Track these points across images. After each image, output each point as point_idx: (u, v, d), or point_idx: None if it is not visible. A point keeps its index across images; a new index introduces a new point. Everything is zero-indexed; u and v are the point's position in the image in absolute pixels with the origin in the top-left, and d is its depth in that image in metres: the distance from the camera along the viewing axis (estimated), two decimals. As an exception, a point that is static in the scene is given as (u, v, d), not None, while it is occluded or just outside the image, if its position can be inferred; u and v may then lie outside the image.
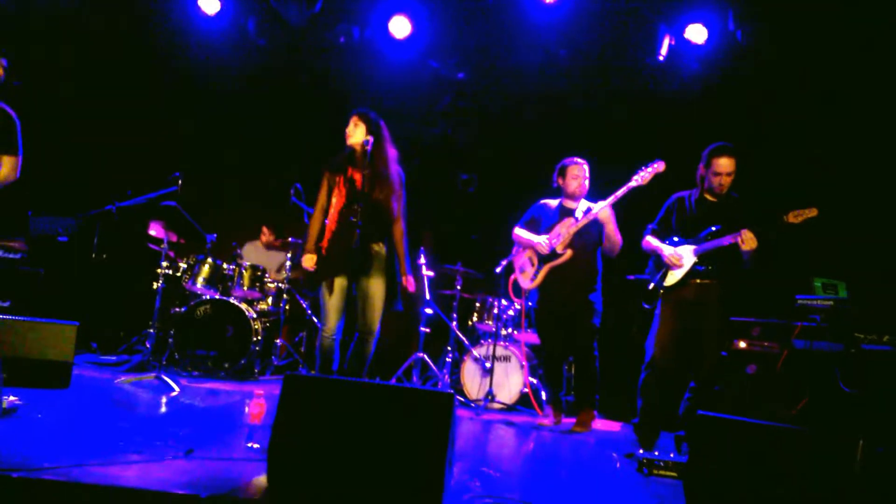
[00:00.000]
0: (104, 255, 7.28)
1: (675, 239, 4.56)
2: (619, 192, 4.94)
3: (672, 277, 4.50)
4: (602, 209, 5.00)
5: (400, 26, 7.08)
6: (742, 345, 5.11)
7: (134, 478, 2.68)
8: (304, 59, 7.62)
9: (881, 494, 3.02)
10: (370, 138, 4.46)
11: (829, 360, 4.59)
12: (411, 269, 4.78)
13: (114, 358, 6.64)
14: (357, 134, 4.53)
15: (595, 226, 5.19)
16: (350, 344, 4.56)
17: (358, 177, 4.46)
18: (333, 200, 4.54)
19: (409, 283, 4.70)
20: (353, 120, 4.59)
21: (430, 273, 6.77)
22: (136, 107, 7.69)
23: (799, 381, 4.71)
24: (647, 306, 4.64)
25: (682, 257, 4.46)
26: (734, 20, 6.39)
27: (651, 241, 4.66)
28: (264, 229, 7.60)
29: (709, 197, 4.55)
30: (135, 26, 7.42)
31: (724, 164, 4.41)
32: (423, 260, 6.66)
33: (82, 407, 4.22)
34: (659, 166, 4.88)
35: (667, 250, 4.51)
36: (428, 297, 6.70)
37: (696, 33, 6.54)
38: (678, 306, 4.48)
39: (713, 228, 4.38)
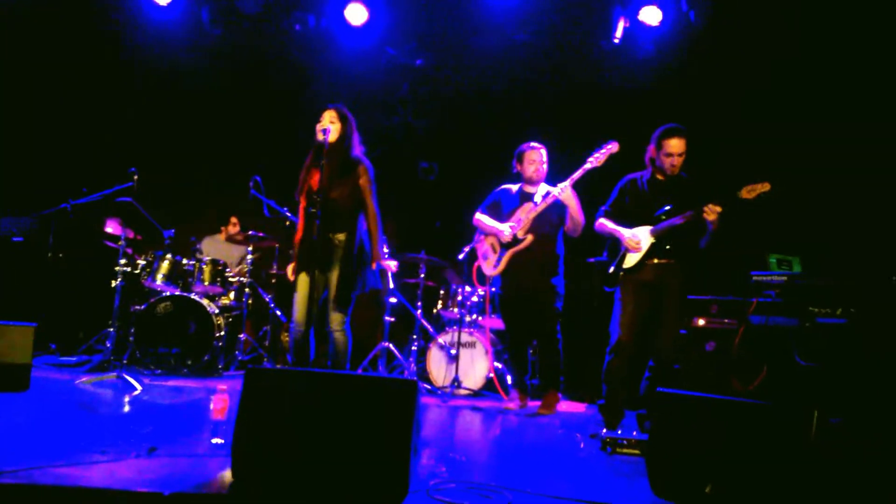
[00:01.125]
0: (60, 255, 7.16)
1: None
2: (576, 175, 4.98)
3: (631, 259, 4.55)
4: (563, 190, 5.01)
5: (356, 13, 7.04)
6: (701, 322, 5.20)
7: (97, 478, 2.65)
8: (259, 49, 7.53)
9: (836, 463, 3.11)
10: (328, 127, 4.45)
11: (785, 335, 4.69)
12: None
13: (74, 359, 6.52)
14: (333, 131, 4.51)
15: (555, 210, 5.23)
16: (324, 340, 4.57)
17: (318, 170, 4.47)
18: (302, 201, 4.64)
19: (388, 266, 4.80)
20: (329, 114, 4.58)
21: (394, 262, 6.76)
22: (88, 101, 7.55)
23: (756, 357, 4.80)
24: (608, 289, 4.69)
25: (641, 240, 4.52)
26: (687, 1, 6.45)
27: (606, 223, 4.70)
28: (233, 219, 7.53)
29: (660, 177, 4.60)
30: (85, 19, 7.27)
31: (675, 144, 4.46)
32: (386, 249, 6.65)
33: (43, 409, 4.16)
34: (613, 147, 4.92)
35: (625, 233, 4.56)
36: (392, 286, 6.70)
37: (651, 15, 6.60)
38: (638, 288, 4.53)
39: (667, 208, 4.43)
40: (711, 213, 4.23)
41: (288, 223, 6.25)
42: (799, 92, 6.22)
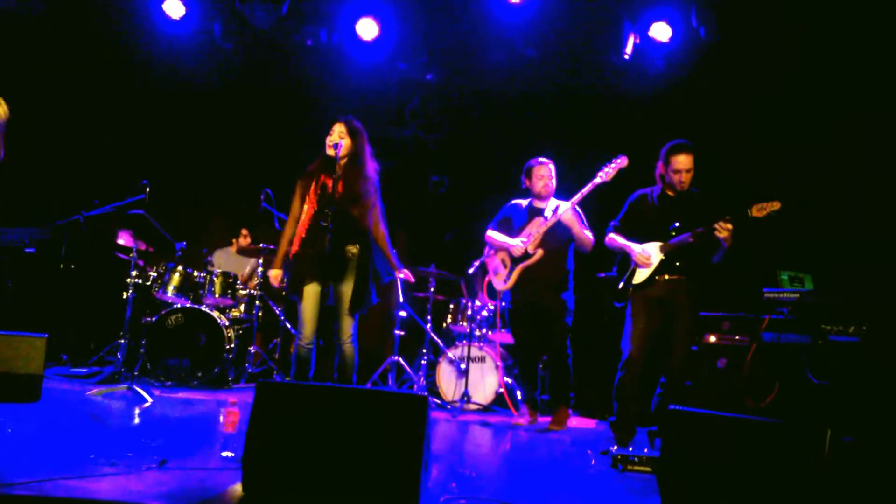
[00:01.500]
0: (72, 266, 7.19)
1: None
2: (585, 190, 5.00)
3: (641, 275, 4.54)
4: (565, 212, 5.04)
5: (367, 28, 7.07)
6: (712, 339, 5.17)
7: (107, 490, 2.65)
8: (271, 63, 7.58)
9: (849, 483, 3.08)
10: (339, 142, 4.43)
11: (797, 352, 4.66)
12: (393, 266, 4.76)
13: (85, 370, 6.55)
14: (343, 146, 4.46)
15: (565, 225, 5.23)
16: (332, 352, 4.54)
17: (330, 182, 4.42)
18: (305, 208, 4.52)
19: (407, 275, 4.75)
20: (340, 128, 4.52)
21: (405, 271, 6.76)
22: (101, 114, 7.61)
23: (768, 374, 4.77)
24: (618, 305, 4.68)
25: (651, 255, 4.51)
26: (697, 17, 6.46)
27: (616, 238, 4.70)
28: (244, 231, 7.56)
29: (670, 193, 4.60)
30: (99, 32, 7.33)
31: (683, 161, 4.47)
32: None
33: (54, 420, 4.17)
34: (622, 161, 4.94)
35: (636, 248, 4.55)
36: (401, 299, 6.70)
37: (661, 31, 6.61)
38: (648, 304, 4.52)
39: (677, 224, 4.43)
40: (723, 230, 4.23)
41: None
42: (809, 107, 6.21)
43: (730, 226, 4.22)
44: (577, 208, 5.21)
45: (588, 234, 5.22)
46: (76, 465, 2.98)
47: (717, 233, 4.24)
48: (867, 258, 5.61)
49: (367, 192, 4.50)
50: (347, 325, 4.44)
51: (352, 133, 4.52)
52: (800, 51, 6.15)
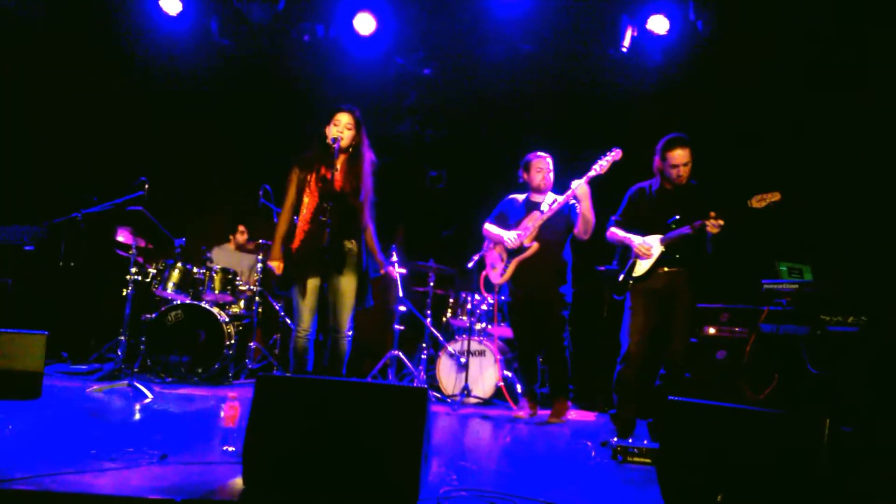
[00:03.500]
0: (72, 263, 7.20)
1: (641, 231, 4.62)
2: (582, 181, 5.00)
3: (640, 268, 4.55)
4: (579, 186, 4.99)
5: (364, 23, 7.07)
6: (711, 331, 5.18)
7: (108, 485, 2.66)
8: (268, 59, 7.57)
9: (848, 473, 3.09)
10: (344, 135, 4.39)
11: (797, 343, 4.67)
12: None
13: (85, 367, 6.56)
14: (346, 135, 4.39)
15: (561, 218, 5.24)
16: (326, 344, 4.52)
17: (329, 175, 4.36)
18: (305, 200, 4.42)
19: (390, 271, 4.70)
20: (347, 120, 4.43)
21: (403, 270, 6.78)
22: (99, 110, 7.60)
23: (767, 365, 4.78)
24: (617, 297, 4.69)
25: (652, 247, 4.52)
26: (694, 10, 6.46)
27: (617, 232, 4.71)
28: (241, 228, 7.56)
29: (668, 186, 4.61)
30: (96, 29, 7.32)
31: (679, 154, 4.47)
32: (395, 257, 6.66)
33: (54, 416, 4.17)
34: (616, 154, 4.95)
35: (636, 240, 4.57)
36: (401, 294, 6.71)
37: (658, 24, 6.61)
38: (648, 296, 4.53)
39: (677, 217, 4.43)
40: (714, 227, 4.24)
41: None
42: (806, 99, 6.21)
43: (721, 221, 4.23)
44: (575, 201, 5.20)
45: (593, 214, 5.15)
46: (77, 460, 2.99)
47: (709, 228, 4.25)
48: (866, 249, 5.61)
49: (367, 184, 4.47)
50: (345, 319, 4.43)
51: (357, 124, 4.46)
52: (798, 42, 6.15)
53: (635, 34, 6.73)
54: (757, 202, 4.15)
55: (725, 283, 5.38)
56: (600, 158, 4.98)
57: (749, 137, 6.38)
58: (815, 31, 6.06)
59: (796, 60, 6.21)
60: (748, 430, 2.80)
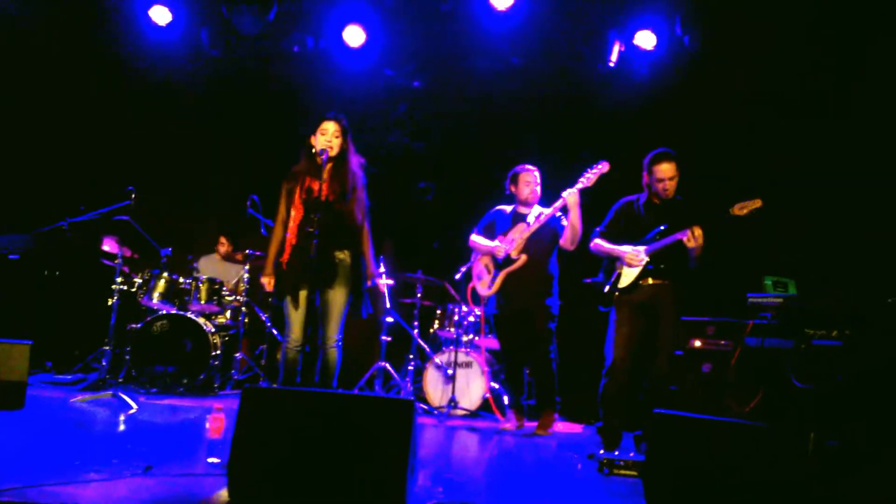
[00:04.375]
0: (57, 272, 7.16)
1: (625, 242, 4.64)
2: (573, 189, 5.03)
3: (626, 279, 4.57)
4: (571, 194, 5.01)
5: (354, 35, 7.09)
6: (697, 344, 5.20)
7: (92, 497, 2.64)
8: (258, 70, 7.58)
9: (832, 485, 3.11)
10: (332, 144, 4.37)
11: (782, 357, 4.70)
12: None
13: (69, 377, 6.51)
14: (335, 143, 4.37)
15: (548, 230, 5.27)
16: (317, 357, 4.50)
17: (316, 186, 4.34)
18: (292, 213, 4.40)
19: (378, 285, 4.66)
20: (334, 128, 4.40)
21: (391, 281, 6.78)
22: (86, 120, 7.58)
23: (752, 378, 4.81)
24: (602, 309, 4.70)
25: (640, 255, 4.54)
26: (681, 26, 6.52)
27: (602, 243, 4.72)
28: (222, 239, 7.51)
29: (656, 201, 4.64)
30: (84, 38, 7.31)
31: (665, 169, 4.50)
32: (383, 268, 6.66)
33: (38, 427, 4.14)
34: (603, 167, 4.98)
35: (626, 248, 4.57)
36: (389, 305, 6.71)
37: (646, 39, 6.66)
38: (632, 309, 4.55)
39: (661, 228, 4.46)
40: (692, 240, 4.26)
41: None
42: (793, 113, 6.27)
43: (701, 240, 4.25)
44: (561, 214, 5.23)
45: (581, 223, 5.15)
46: (61, 471, 2.97)
47: (686, 241, 4.28)
48: (851, 263, 5.66)
49: (354, 187, 4.43)
50: (334, 331, 4.41)
51: (344, 132, 4.43)
52: (783, 57, 6.21)
53: (623, 49, 6.79)
54: (738, 209, 4.19)
55: (711, 296, 5.41)
56: (587, 171, 5.01)
57: (734, 151, 6.43)
58: (801, 47, 6.13)
59: (782, 76, 6.28)
60: (733, 443, 2.82)
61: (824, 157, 5.99)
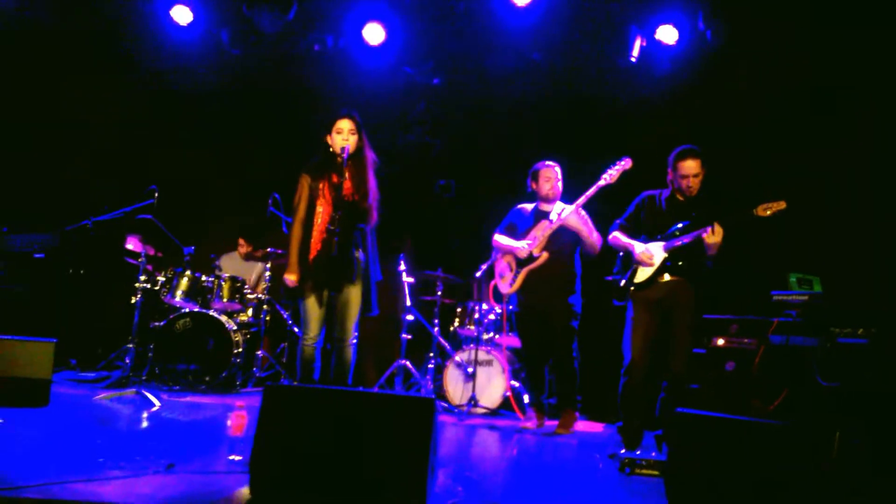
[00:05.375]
0: (81, 271, 7.23)
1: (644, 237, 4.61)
2: (589, 193, 5.02)
3: (642, 275, 4.53)
4: (569, 215, 5.04)
5: (374, 33, 7.08)
6: (720, 342, 5.14)
7: (115, 493, 2.66)
8: (278, 68, 7.60)
9: (858, 486, 3.06)
10: (348, 144, 4.37)
11: (806, 355, 4.63)
12: (385, 274, 4.73)
13: (93, 374, 6.56)
14: (352, 140, 4.36)
15: (570, 228, 5.23)
16: (331, 353, 4.51)
17: (340, 183, 4.33)
18: (319, 209, 4.38)
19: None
20: (349, 126, 4.41)
21: (411, 279, 6.78)
22: (110, 118, 7.65)
23: (776, 377, 4.75)
24: (617, 303, 4.67)
25: (654, 255, 4.51)
26: (703, 20, 6.45)
27: (620, 237, 4.69)
28: (241, 241, 7.55)
29: (680, 197, 4.60)
30: (107, 37, 7.37)
31: (690, 166, 4.46)
32: (403, 266, 6.66)
33: (62, 424, 4.19)
34: (626, 163, 4.95)
35: (638, 247, 4.54)
36: (409, 303, 6.71)
37: (667, 34, 6.60)
38: (649, 306, 4.51)
39: (680, 225, 4.43)
40: (714, 236, 4.22)
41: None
42: (817, 109, 6.18)
43: (720, 237, 4.21)
44: (584, 212, 5.21)
45: (596, 237, 5.20)
46: (84, 468, 3.00)
47: (706, 238, 4.24)
48: (877, 260, 5.58)
49: (372, 186, 4.44)
50: (350, 327, 4.41)
51: (358, 128, 4.43)
52: (806, 52, 6.13)
53: (644, 44, 6.73)
54: (762, 210, 4.15)
55: (735, 293, 5.35)
56: (610, 168, 4.98)
57: (758, 147, 6.36)
58: (827, 40, 6.03)
59: (807, 70, 6.19)
60: (756, 442, 2.79)
61: (852, 151, 5.90)
